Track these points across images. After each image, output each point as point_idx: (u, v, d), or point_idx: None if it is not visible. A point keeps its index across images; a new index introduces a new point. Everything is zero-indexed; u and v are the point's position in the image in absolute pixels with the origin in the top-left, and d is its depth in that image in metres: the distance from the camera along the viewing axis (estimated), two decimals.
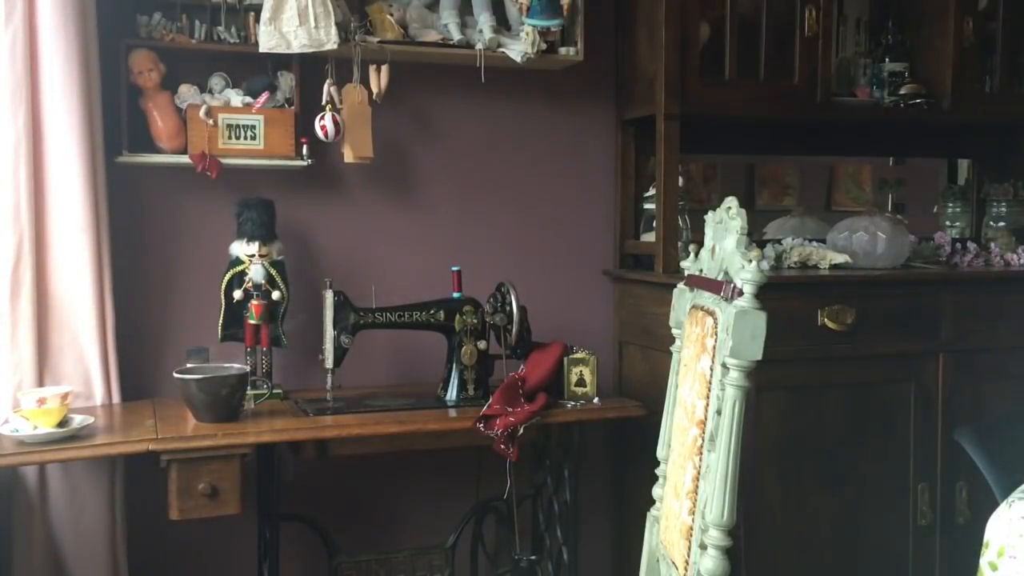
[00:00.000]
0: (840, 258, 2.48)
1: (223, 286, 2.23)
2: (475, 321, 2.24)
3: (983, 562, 1.37)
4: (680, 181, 2.51)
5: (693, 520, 1.62)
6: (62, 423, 1.88)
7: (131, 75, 2.18)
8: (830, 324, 2.32)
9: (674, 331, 1.99)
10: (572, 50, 2.44)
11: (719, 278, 1.71)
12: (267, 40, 2.18)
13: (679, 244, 2.46)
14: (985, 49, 2.81)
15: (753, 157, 2.97)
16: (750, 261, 1.56)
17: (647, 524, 1.94)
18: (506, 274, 2.35)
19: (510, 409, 2.10)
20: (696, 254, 1.95)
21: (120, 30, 2.19)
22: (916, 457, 2.44)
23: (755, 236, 2.82)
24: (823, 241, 2.62)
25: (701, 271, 1.87)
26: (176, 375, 1.98)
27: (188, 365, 2.07)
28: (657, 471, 1.96)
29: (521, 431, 2.08)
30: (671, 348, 1.99)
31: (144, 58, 2.18)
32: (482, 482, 2.42)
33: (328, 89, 2.28)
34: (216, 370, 2.03)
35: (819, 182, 3.09)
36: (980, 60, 2.81)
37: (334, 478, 2.47)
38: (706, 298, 1.76)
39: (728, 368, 1.53)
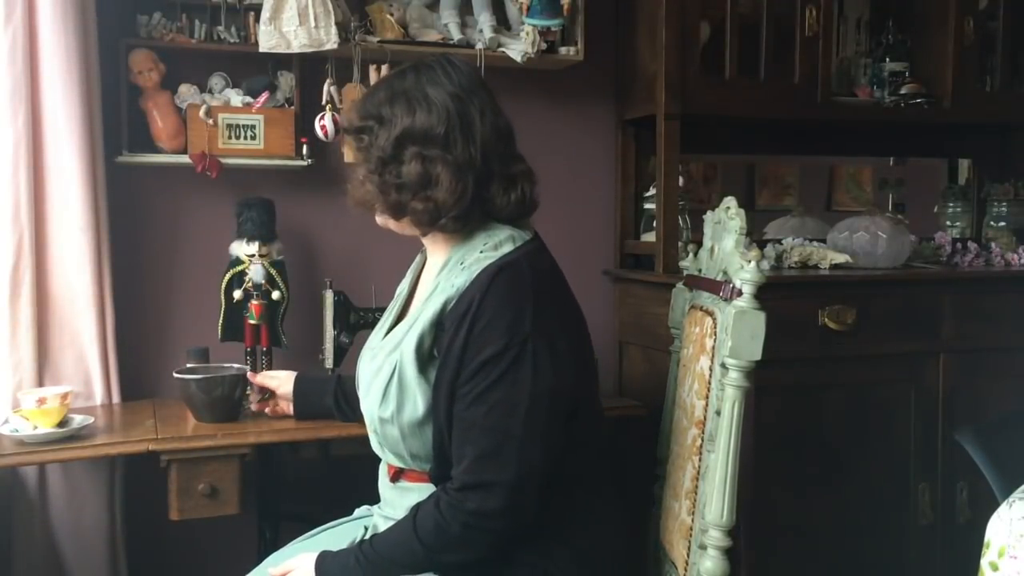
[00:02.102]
0: (840, 258, 2.47)
1: (223, 286, 2.23)
2: None
3: (984, 562, 1.36)
4: (680, 181, 2.51)
5: (693, 520, 1.62)
6: (62, 423, 1.88)
7: (131, 75, 2.18)
8: (830, 324, 2.31)
9: (673, 331, 1.99)
10: (572, 50, 2.44)
11: (718, 278, 1.71)
12: (267, 40, 2.18)
13: (679, 244, 2.46)
14: (985, 49, 2.81)
15: (753, 157, 2.97)
16: (749, 261, 1.56)
17: (646, 524, 1.94)
18: None
19: None
20: (695, 254, 1.95)
21: (120, 30, 2.19)
22: (916, 457, 2.43)
23: (755, 236, 2.82)
24: (823, 241, 2.62)
25: (700, 271, 1.87)
26: (176, 375, 1.98)
27: (188, 365, 2.07)
28: (656, 471, 1.96)
29: None
30: (671, 348, 1.99)
31: (144, 58, 2.18)
32: None
33: (328, 89, 2.28)
34: (216, 370, 2.03)
35: (819, 182, 3.09)
36: (980, 60, 2.80)
37: (334, 478, 2.47)
38: (705, 298, 1.76)
39: (727, 368, 1.53)
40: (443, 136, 1.38)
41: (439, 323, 1.38)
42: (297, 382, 1.90)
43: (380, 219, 1.52)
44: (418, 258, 1.69)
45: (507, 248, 1.40)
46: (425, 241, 1.53)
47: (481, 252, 1.40)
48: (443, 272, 1.44)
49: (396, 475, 1.51)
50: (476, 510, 1.31)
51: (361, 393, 1.55)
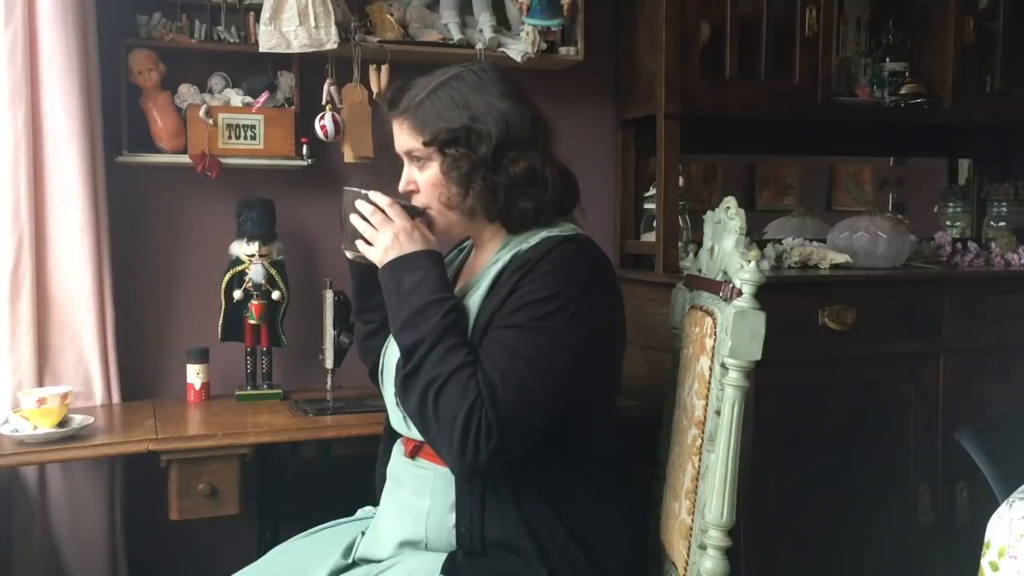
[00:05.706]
0: (840, 258, 2.47)
1: (223, 286, 2.23)
2: None
3: (984, 562, 1.36)
4: (680, 181, 2.51)
5: (693, 520, 1.62)
6: (62, 423, 1.88)
7: (131, 75, 2.18)
8: (830, 324, 2.31)
9: (673, 331, 1.99)
10: (572, 50, 2.44)
11: (718, 278, 1.71)
12: (267, 40, 2.18)
13: (679, 244, 2.46)
14: (985, 49, 2.81)
15: (753, 157, 2.97)
16: (749, 261, 1.56)
17: (646, 524, 1.94)
18: None
19: None
20: (695, 254, 1.95)
21: (120, 30, 2.19)
22: (916, 457, 2.43)
23: (755, 236, 2.82)
24: (823, 241, 2.62)
25: (700, 271, 1.87)
26: (345, 188, 1.76)
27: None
28: (656, 471, 1.96)
29: None
30: (671, 348, 1.99)
31: (144, 58, 2.18)
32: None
33: (328, 89, 2.28)
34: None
35: (819, 182, 3.09)
36: (980, 60, 2.81)
37: (334, 478, 2.47)
38: (705, 298, 1.76)
39: (727, 368, 1.53)
40: (531, 138, 1.47)
41: (496, 282, 1.44)
42: None
43: (449, 225, 1.53)
44: (452, 253, 1.71)
45: (570, 232, 1.50)
46: (482, 238, 1.57)
47: (547, 232, 1.48)
48: (503, 250, 1.50)
49: (415, 450, 1.51)
50: (481, 410, 1.30)
51: (386, 381, 1.56)
